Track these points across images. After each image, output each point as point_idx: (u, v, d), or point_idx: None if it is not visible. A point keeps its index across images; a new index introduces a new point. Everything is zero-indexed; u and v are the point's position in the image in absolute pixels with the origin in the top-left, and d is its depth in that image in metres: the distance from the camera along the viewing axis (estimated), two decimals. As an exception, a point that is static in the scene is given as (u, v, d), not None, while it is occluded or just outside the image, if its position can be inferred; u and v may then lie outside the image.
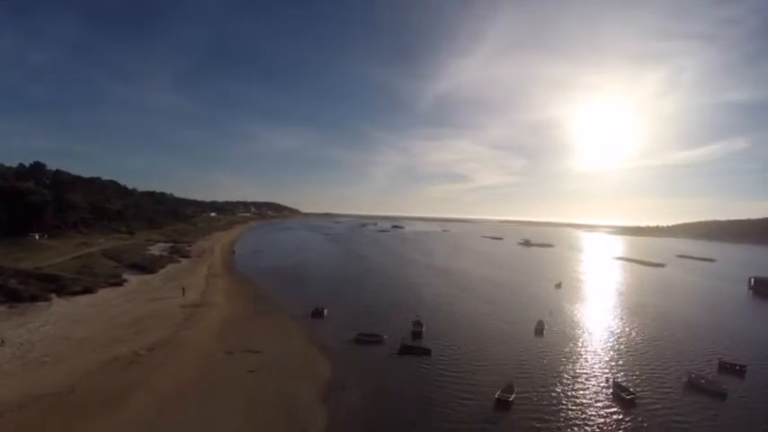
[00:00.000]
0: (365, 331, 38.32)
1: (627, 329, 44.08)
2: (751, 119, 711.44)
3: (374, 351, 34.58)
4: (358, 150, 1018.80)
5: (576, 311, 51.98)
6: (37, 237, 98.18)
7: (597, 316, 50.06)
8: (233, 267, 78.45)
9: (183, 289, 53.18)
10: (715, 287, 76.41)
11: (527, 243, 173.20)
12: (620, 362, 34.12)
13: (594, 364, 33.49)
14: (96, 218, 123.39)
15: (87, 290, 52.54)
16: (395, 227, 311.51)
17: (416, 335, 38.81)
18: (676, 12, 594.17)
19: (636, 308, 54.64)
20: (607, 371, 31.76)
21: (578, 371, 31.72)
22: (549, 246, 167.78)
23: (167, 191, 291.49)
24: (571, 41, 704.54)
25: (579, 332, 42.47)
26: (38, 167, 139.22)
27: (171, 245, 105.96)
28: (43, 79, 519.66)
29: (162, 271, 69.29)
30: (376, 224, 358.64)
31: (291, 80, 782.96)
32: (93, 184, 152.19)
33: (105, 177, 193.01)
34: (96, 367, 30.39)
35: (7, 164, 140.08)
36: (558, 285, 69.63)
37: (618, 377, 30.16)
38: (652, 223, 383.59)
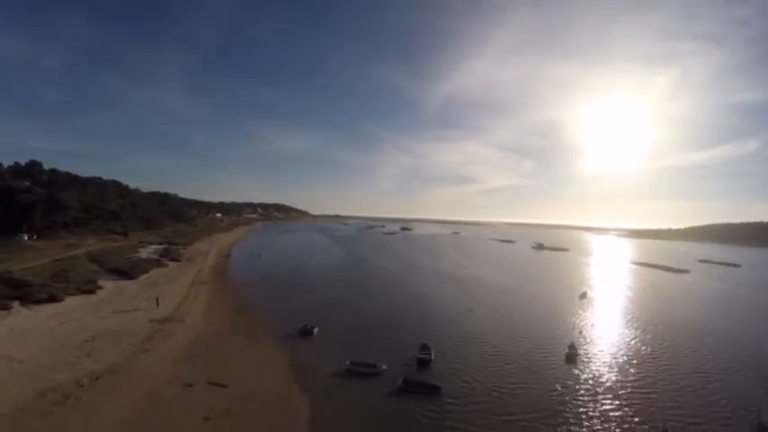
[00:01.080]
0: (359, 359, 31.47)
1: (673, 355, 36.63)
2: (762, 120, 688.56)
3: (368, 387, 27.78)
4: (366, 152, 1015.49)
5: (608, 330, 44.57)
6: (26, 237, 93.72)
7: (634, 336, 42.54)
8: (224, 273, 72.41)
9: (158, 299, 47.01)
10: (755, 298, 67.98)
11: (540, 247, 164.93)
12: (675, 401, 27.01)
13: (643, 404, 26.48)
14: (90, 218, 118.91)
15: (53, 298, 46.76)
16: (403, 229, 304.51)
17: (423, 363, 31.90)
18: (687, 12, 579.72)
19: (674, 325, 46.98)
20: (660, 415, 24.72)
21: (626, 416, 24.65)
22: (562, 249, 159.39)
23: (179, 191, 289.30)
24: (580, 43, 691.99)
25: (617, 359, 35.16)
26: (34, 166, 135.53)
27: (164, 247, 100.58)
28: (56, 80, 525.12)
29: (144, 277, 63.45)
30: (384, 226, 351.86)
31: (301, 82, 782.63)
32: (90, 183, 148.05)
33: (118, 178, 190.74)
34: (26, 401, 24.36)
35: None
36: (583, 296, 62.17)
37: (675, 425, 23.29)
38: (662, 226, 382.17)
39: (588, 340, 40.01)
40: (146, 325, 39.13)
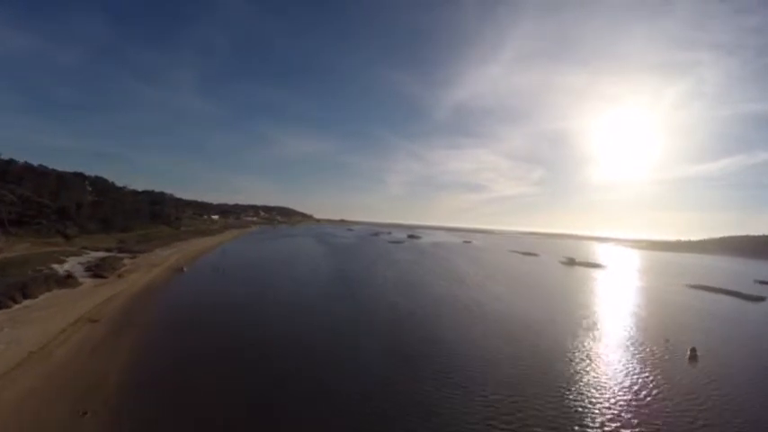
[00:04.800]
0: None
1: None
2: None
3: None
4: (375, 157, 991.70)
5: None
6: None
7: None
8: (148, 301, 50.19)
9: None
10: None
11: (571, 262, 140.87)
12: None
13: None
14: (33, 217, 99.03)
15: None
16: (410, 237, 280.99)
17: None
18: (699, 22, 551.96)
19: None
20: None
21: None
22: (596, 266, 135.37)
23: (190, 192, 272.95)
24: (592, 51, 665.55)
25: None
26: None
27: (107, 255, 79.85)
28: (71, 80, 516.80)
29: (21, 305, 42.32)
30: (390, 233, 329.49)
31: (314, 86, 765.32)
32: (49, 175, 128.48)
33: (131, 178, 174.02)
34: None
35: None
36: (693, 357, 39.13)
37: None
38: (676, 237, 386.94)
39: None
40: None
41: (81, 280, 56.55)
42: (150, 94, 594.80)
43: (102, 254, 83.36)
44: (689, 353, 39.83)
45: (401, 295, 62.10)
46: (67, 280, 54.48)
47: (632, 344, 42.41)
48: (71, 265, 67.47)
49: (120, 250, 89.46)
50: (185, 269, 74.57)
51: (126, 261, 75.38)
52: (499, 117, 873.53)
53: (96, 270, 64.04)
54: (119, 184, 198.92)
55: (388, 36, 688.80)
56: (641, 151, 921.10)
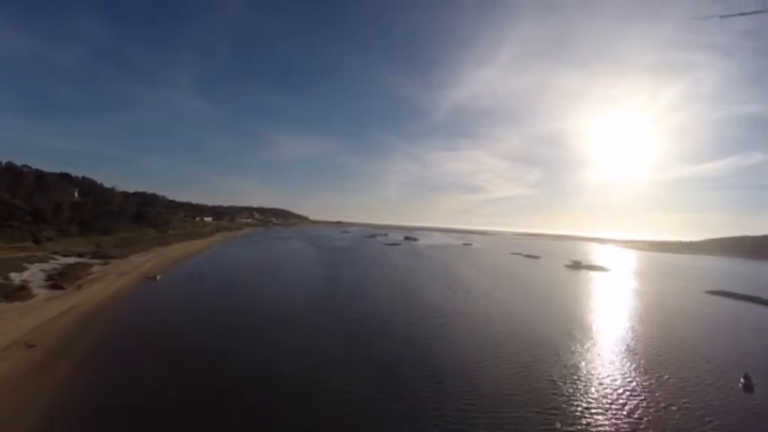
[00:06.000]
0: None
1: None
2: (766, 132, 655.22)
3: None
4: (372, 159, 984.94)
5: None
6: None
7: None
8: (103, 319, 43.42)
9: None
10: None
11: (577, 266, 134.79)
12: None
13: None
14: (2, 219, 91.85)
15: None
16: (407, 238, 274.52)
17: None
18: (696, 23, 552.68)
19: None
20: None
21: None
22: (603, 270, 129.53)
23: (188, 194, 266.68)
24: (589, 53, 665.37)
25: None
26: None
27: (78, 261, 72.97)
28: (70, 80, 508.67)
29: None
30: (386, 234, 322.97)
31: (312, 88, 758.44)
32: (27, 176, 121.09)
33: (130, 179, 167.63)
34: None
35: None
36: (748, 386, 32.70)
37: None
38: (669, 238, 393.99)
39: None
40: None
41: (36, 291, 49.67)
42: (149, 96, 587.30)
43: (72, 259, 76.38)
44: (742, 381, 33.61)
45: (399, 313, 53.07)
46: (18, 292, 47.56)
47: (674, 370, 36.09)
48: (32, 273, 60.48)
49: (95, 255, 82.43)
50: (158, 277, 67.51)
51: (96, 268, 68.44)
52: (496, 118, 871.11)
53: (58, 279, 57.19)
54: (110, 185, 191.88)
55: (387, 38, 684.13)
56: (637, 152, 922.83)
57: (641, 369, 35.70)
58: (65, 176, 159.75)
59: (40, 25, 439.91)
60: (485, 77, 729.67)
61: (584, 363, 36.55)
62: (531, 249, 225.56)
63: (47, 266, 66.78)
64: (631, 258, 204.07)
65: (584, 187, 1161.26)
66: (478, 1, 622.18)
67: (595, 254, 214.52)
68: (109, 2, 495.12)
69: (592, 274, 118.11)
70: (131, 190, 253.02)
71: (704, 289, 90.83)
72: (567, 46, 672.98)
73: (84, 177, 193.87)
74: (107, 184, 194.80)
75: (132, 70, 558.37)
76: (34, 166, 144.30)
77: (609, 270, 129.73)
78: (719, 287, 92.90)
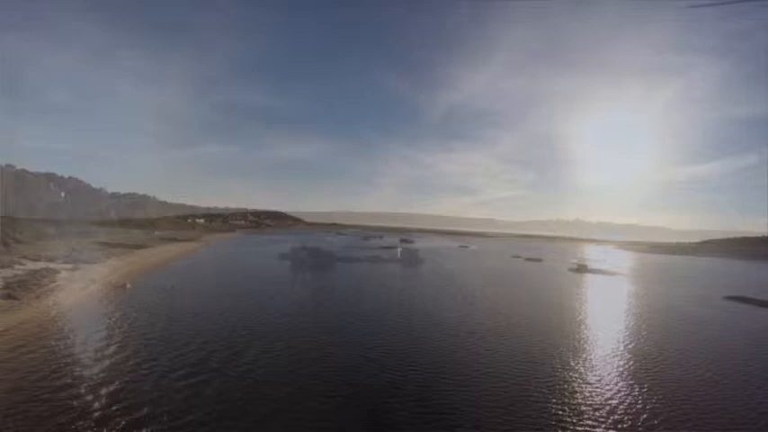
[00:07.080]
0: None
1: None
2: (761, 134, 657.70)
3: None
4: (370, 161, 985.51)
5: None
6: None
7: None
8: (48, 339, 35.96)
9: None
10: None
11: (582, 269, 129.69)
12: None
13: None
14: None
15: None
16: (403, 241, 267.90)
17: None
18: (689, 25, 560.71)
19: None
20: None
21: None
22: (610, 273, 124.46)
23: (180, 196, 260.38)
24: (584, 55, 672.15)
25: None
26: None
27: (46, 266, 66.18)
28: (64, 81, 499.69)
29: None
30: (381, 237, 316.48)
31: (308, 89, 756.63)
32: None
33: (124, 181, 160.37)
34: None
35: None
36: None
37: None
38: (666, 239, 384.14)
39: None
40: None
41: (-20, 304, 42.96)
42: (144, 97, 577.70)
43: (41, 264, 69.55)
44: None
45: (396, 339, 42.00)
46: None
47: (742, 410, 30.35)
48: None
49: (67, 259, 75.53)
50: (129, 286, 60.65)
51: (63, 274, 61.62)
52: (491, 120, 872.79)
53: (15, 288, 50.45)
54: (99, 186, 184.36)
55: (383, 40, 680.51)
56: (632, 154, 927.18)
57: (712, 409, 29.87)
58: (49, 176, 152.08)
59: (36, 25, 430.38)
60: (479, 80, 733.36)
61: (635, 412, 30.63)
62: (529, 252, 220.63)
63: (8, 273, 59.83)
64: (633, 260, 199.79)
65: (578, 188, 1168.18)
66: (473, 5, 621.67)
67: (597, 256, 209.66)
68: (104, 2, 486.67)
69: (599, 278, 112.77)
70: (123, 191, 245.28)
71: (721, 294, 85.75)
72: (562, 49, 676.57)
73: (70, 177, 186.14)
74: (96, 185, 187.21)
75: (127, 71, 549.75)
76: (19, 166, 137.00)
77: (616, 274, 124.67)
78: (736, 292, 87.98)
